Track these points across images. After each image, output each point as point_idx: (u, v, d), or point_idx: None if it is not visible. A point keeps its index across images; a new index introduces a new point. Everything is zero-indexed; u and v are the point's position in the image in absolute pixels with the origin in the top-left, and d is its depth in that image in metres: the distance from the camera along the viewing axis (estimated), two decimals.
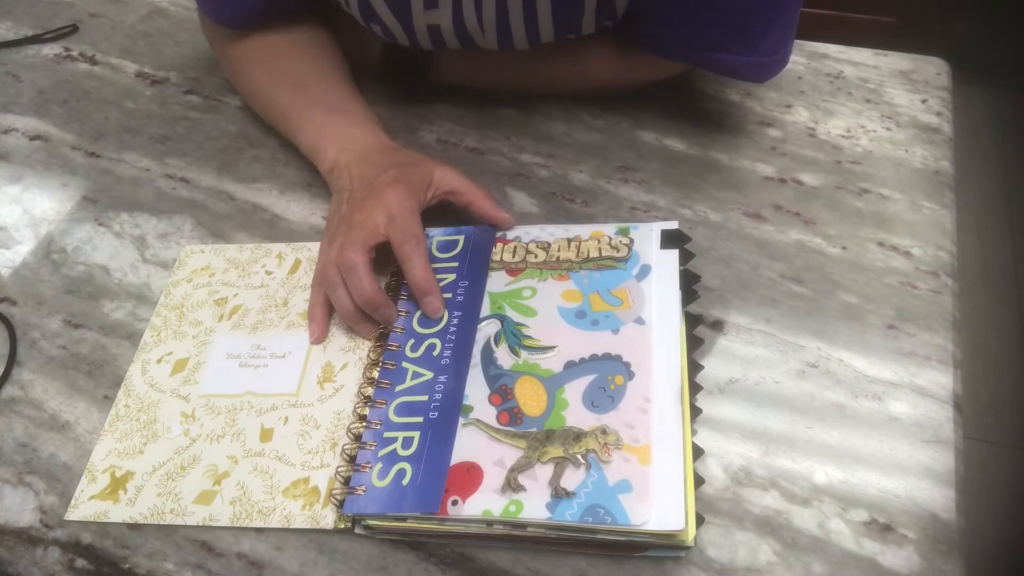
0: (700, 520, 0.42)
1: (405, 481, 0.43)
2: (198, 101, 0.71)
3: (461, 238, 0.55)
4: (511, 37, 0.58)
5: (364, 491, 0.43)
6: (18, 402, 0.51)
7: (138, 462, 0.47)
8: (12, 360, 0.53)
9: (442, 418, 0.45)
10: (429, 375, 0.48)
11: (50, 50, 0.77)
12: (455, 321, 0.50)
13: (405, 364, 0.49)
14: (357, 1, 0.58)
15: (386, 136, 0.59)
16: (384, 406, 0.47)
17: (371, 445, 0.45)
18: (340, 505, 0.44)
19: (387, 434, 0.46)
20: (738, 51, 0.56)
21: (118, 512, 0.45)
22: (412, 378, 0.48)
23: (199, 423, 0.49)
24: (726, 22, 0.54)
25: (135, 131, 0.68)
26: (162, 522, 0.45)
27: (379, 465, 0.44)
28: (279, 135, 0.65)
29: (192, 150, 0.67)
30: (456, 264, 0.53)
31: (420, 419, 0.46)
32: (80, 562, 0.44)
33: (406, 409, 0.46)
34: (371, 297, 0.49)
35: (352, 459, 0.45)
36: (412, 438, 0.45)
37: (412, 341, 0.50)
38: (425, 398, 0.47)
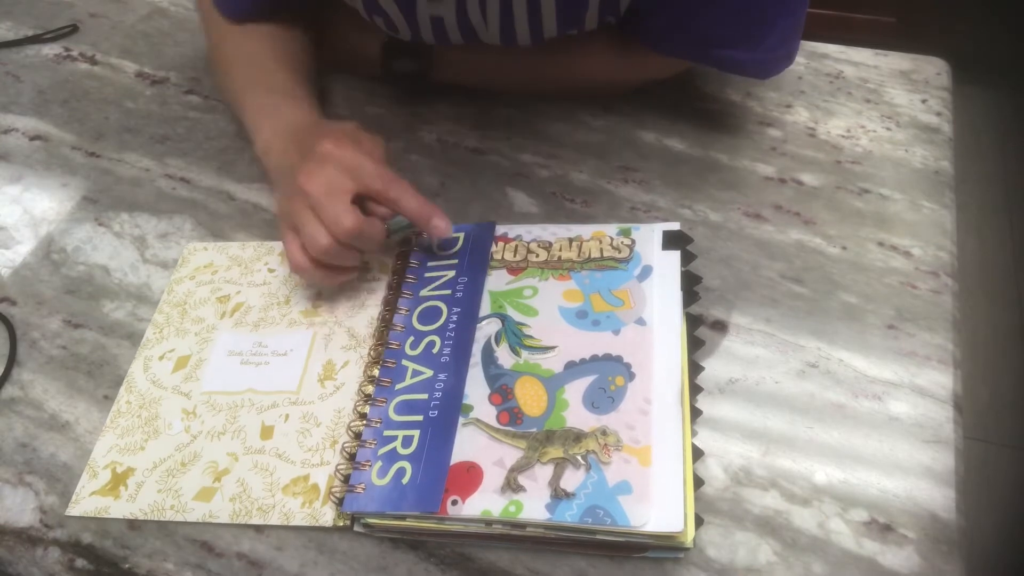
0: (700, 521, 0.42)
1: (405, 480, 0.43)
2: (198, 101, 0.71)
3: (461, 236, 0.55)
4: (514, 31, 0.58)
5: (364, 489, 0.43)
6: (18, 402, 0.51)
7: (139, 458, 0.48)
8: (12, 360, 0.53)
9: (442, 417, 0.45)
10: (429, 373, 0.48)
11: (50, 50, 0.77)
12: (454, 318, 0.50)
13: (405, 362, 0.49)
14: None
15: (322, 117, 0.58)
16: (384, 404, 0.47)
17: (371, 443, 0.45)
18: (339, 503, 0.44)
19: (387, 432, 0.46)
20: (743, 47, 0.55)
21: (119, 508, 0.46)
22: (412, 376, 0.48)
23: (200, 420, 0.49)
24: (731, 18, 0.54)
25: (135, 131, 0.68)
26: (162, 518, 0.45)
27: (379, 464, 0.44)
28: None
29: (192, 150, 0.67)
30: (456, 261, 0.53)
31: (420, 417, 0.46)
32: (80, 562, 0.44)
33: (406, 407, 0.46)
34: (354, 225, 0.47)
35: (352, 457, 0.45)
36: (412, 437, 0.45)
37: (412, 339, 0.50)
38: (425, 396, 0.47)
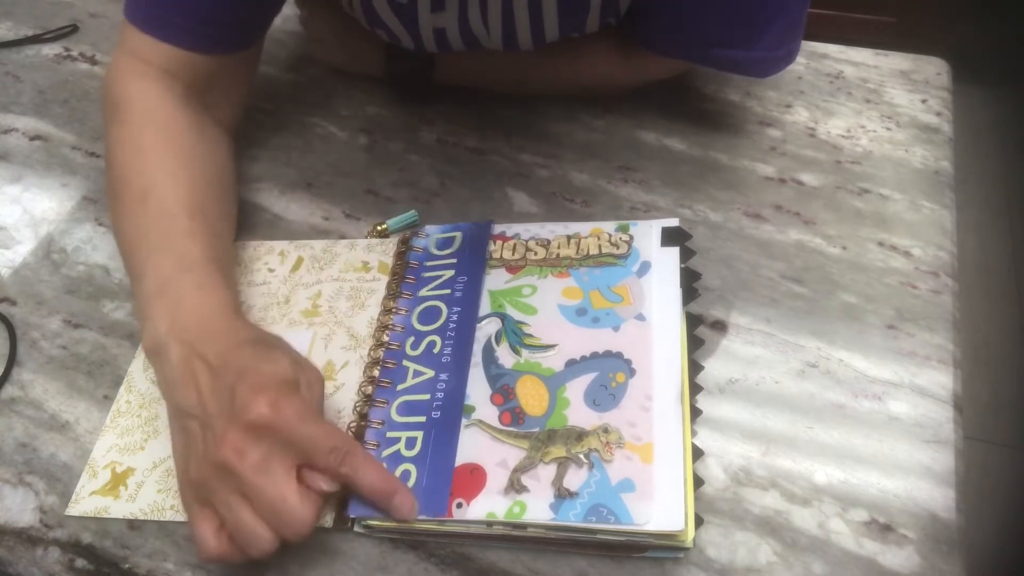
0: (699, 522, 0.42)
1: (411, 483, 0.43)
2: None
3: (459, 235, 0.55)
4: (516, 37, 0.58)
5: None
6: (18, 402, 0.51)
7: (139, 458, 0.47)
8: (12, 360, 0.53)
9: (444, 418, 0.45)
10: (430, 373, 0.48)
11: (50, 50, 0.77)
12: (454, 317, 0.50)
13: (406, 362, 0.49)
14: (362, 7, 0.57)
15: (237, 317, 0.46)
16: (386, 405, 0.47)
17: (373, 445, 0.45)
18: (344, 506, 0.43)
19: (390, 434, 0.46)
20: (742, 46, 0.55)
21: (118, 508, 0.45)
22: (413, 376, 0.48)
23: None
24: (729, 17, 0.54)
25: None
26: (162, 518, 0.45)
27: (383, 466, 0.44)
28: (279, 135, 0.65)
29: None
30: (454, 260, 0.53)
31: (423, 418, 0.46)
32: (80, 562, 0.44)
33: (408, 408, 0.46)
34: (311, 524, 0.39)
35: None
36: (415, 438, 0.45)
37: (412, 339, 0.50)
38: (427, 397, 0.47)
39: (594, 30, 0.58)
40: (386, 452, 0.45)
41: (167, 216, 0.49)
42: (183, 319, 0.44)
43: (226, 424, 0.39)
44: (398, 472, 0.44)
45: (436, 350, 0.49)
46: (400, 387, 0.48)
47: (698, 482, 0.44)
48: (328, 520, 0.44)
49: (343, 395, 0.49)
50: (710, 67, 0.61)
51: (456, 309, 0.51)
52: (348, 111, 0.68)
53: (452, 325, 0.50)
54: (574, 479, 0.42)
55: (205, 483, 0.39)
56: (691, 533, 0.41)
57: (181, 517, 0.45)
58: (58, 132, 0.69)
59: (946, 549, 0.42)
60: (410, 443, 0.45)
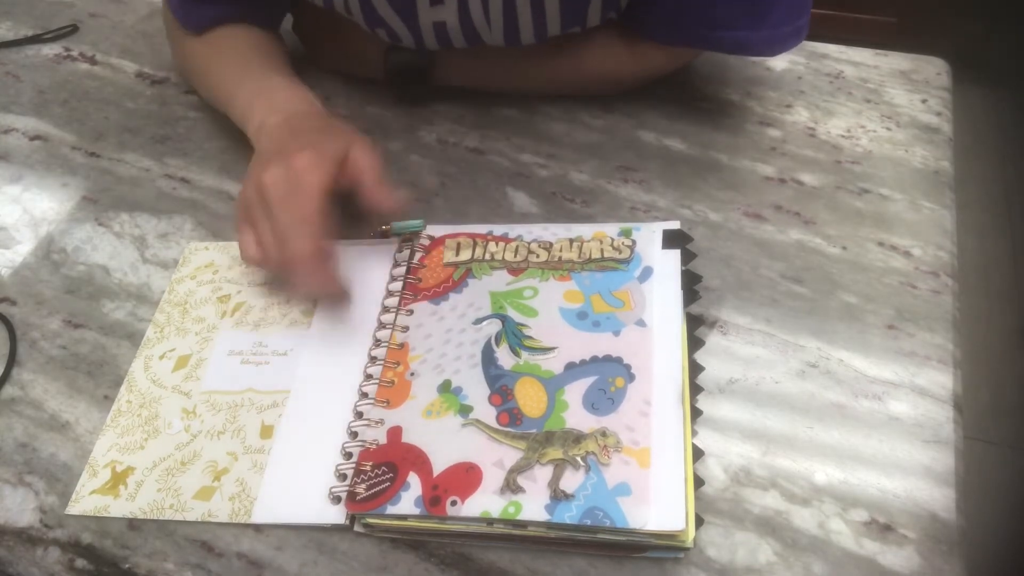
0: (700, 522, 0.42)
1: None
2: (198, 101, 0.71)
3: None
4: (518, 31, 0.57)
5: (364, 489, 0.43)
6: (18, 402, 0.51)
7: (139, 457, 0.48)
8: (12, 360, 0.53)
9: None
10: None
11: (50, 50, 0.77)
12: None
13: None
14: (360, 6, 0.57)
15: (319, 104, 0.59)
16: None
17: (372, 442, 0.45)
18: (338, 503, 0.44)
19: None
20: (748, 26, 0.55)
21: (118, 507, 0.46)
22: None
23: (200, 419, 0.49)
24: None
25: (135, 131, 0.68)
26: (161, 517, 0.45)
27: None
28: None
29: (192, 150, 0.67)
30: None
31: None
32: (80, 562, 0.44)
33: None
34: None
35: (351, 457, 0.45)
36: None
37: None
38: None
39: (595, 23, 0.58)
40: None
41: (244, 56, 0.63)
42: (279, 104, 0.56)
43: (274, 159, 0.49)
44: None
45: None
46: None
47: (698, 482, 0.44)
48: (328, 520, 0.44)
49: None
50: (716, 50, 0.59)
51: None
52: (348, 111, 0.68)
53: None
54: (570, 481, 0.42)
55: (246, 201, 0.50)
56: (691, 533, 0.41)
57: (181, 516, 0.45)
58: (58, 132, 0.69)
59: (946, 549, 0.42)
60: None
